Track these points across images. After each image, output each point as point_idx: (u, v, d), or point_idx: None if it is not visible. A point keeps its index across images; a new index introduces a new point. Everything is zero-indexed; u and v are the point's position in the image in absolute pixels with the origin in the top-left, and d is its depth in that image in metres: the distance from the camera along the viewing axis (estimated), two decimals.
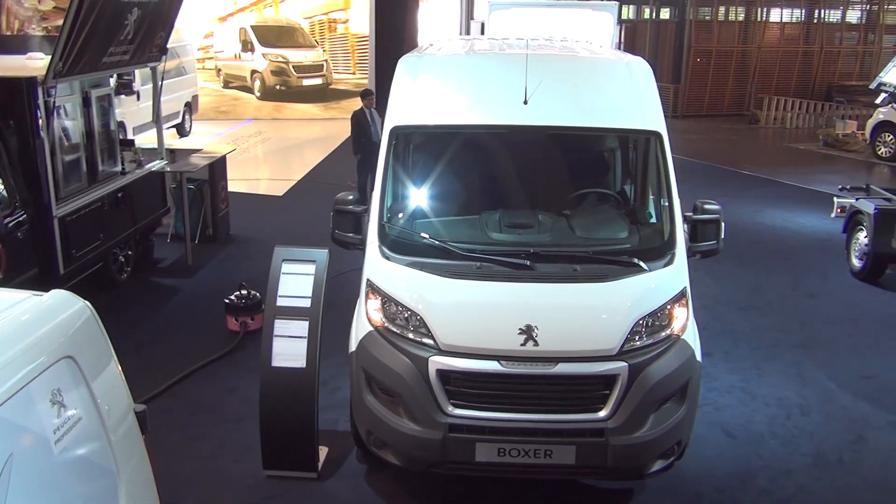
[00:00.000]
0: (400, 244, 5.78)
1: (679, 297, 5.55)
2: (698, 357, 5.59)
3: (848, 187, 11.64)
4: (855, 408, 7.22)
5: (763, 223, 13.81)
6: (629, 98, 6.34)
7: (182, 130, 20.86)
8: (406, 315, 5.42)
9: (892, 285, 10.44)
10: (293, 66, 25.05)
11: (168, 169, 10.81)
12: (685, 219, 5.97)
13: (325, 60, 25.59)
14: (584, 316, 5.36)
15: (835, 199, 11.42)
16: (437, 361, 5.25)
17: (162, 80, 10.99)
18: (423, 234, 5.81)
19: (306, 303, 5.88)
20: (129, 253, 10.16)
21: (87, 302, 2.79)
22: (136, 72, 10.69)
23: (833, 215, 11.50)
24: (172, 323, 8.94)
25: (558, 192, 6.55)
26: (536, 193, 6.54)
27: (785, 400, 7.34)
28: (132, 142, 10.92)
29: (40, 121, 7.90)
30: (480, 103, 6.27)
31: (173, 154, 11.64)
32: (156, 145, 11.13)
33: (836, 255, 11.40)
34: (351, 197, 6.10)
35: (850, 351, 8.50)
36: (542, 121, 6.11)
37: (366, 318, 5.63)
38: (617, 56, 7.01)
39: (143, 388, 7.25)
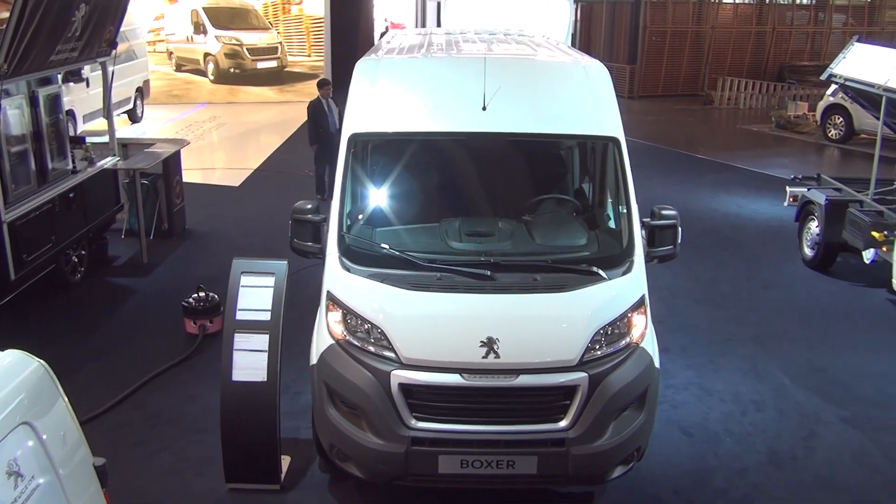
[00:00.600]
0: (360, 255, 5.76)
1: (638, 305, 5.62)
2: (656, 364, 5.68)
3: (800, 177, 11.87)
4: (807, 403, 7.40)
5: (717, 210, 14.02)
6: (587, 103, 6.37)
7: (134, 116, 20.48)
8: (367, 328, 5.41)
9: (842, 274, 10.68)
10: (247, 49, 24.68)
11: (121, 166, 10.60)
12: (643, 224, 6.04)
13: (280, 43, 25.25)
14: (544, 327, 5.40)
15: (787, 188, 11.63)
16: (400, 375, 5.26)
17: (112, 72, 10.76)
18: (383, 245, 5.79)
19: (266, 316, 5.83)
20: (83, 253, 9.96)
21: (41, 361, 2.73)
22: None
23: (786, 204, 11.71)
24: (129, 326, 8.81)
25: (518, 198, 6.57)
26: (496, 199, 6.55)
27: (740, 396, 7.49)
28: (83, 139, 10.66)
29: None
30: (439, 110, 6.25)
31: (126, 148, 11.42)
32: (107, 138, 10.90)
33: (789, 244, 11.62)
34: (310, 206, 6.05)
35: (802, 343, 8.70)
36: (500, 127, 6.12)
37: (326, 330, 5.61)
38: (574, 59, 7.02)
39: (100, 398, 7.18)
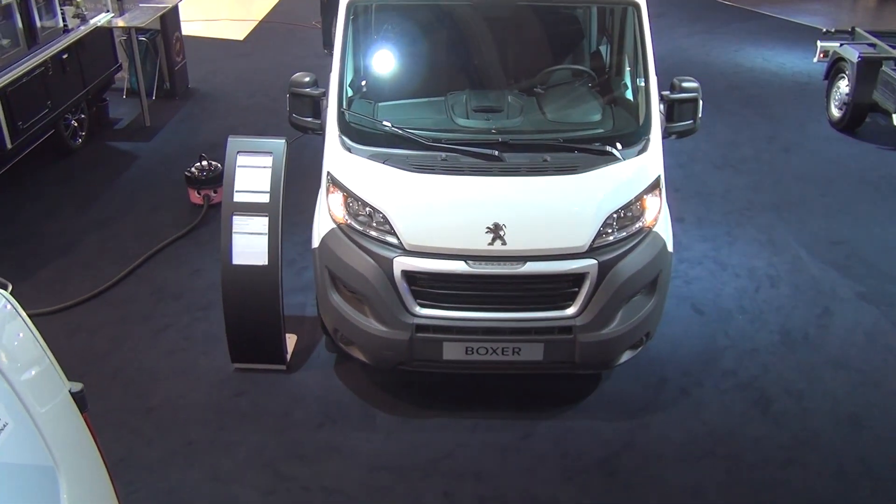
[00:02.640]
0: (361, 133, 5.48)
1: (653, 187, 5.36)
2: (669, 248, 5.47)
3: (833, 30, 11.18)
4: (824, 277, 7.22)
5: (742, 64, 13.34)
6: None
7: None
8: (369, 212, 5.21)
9: (869, 136, 10.24)
10: None
11: (116, 24, 10.09)
12: (661, 98, 5.68)
13: None
14: (553, 212, 5.17)
15: (818, 43, 10.97)
16: (403, 262, 5.10)
17: None
18: (385, 123, 5.48)
19: (265, 198, 5.59)
20: (82, 116, 9.66)
21: (3, 292, 2.55)
22: None
23: (815, 60, 11.09)
24: (132, 195, 8.63)
25: (529, 67, 6.16)
26: (506, 69, 6.14)
27: (755, 270, 7.31)
28: None
29: None
30: None
31: (120, 2, 10.84)
32: None
33: (815, 102, 11.11)
34: (308, 79, 5.70)
35: (822, 212, 8.41)
36: None
37: (328, 213, 5.41)
38: None
39: (105, 271, 7.12)
